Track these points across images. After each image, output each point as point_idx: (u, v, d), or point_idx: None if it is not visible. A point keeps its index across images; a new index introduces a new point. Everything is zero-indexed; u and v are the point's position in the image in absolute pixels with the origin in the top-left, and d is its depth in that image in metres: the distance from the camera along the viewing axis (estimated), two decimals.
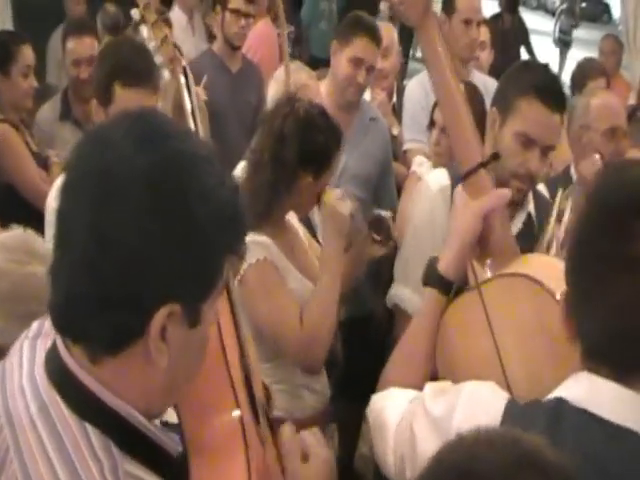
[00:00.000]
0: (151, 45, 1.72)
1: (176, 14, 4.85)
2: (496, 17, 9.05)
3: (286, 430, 1.16)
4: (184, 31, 4.78)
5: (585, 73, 4.20)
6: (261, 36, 4.59)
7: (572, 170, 2.84)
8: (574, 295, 1.10)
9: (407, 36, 7.56)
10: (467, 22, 3.32)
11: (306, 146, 2.03)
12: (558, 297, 1.23)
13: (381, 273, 2.47)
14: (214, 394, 1.13)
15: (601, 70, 4.28)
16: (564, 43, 12.78)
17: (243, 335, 1.22)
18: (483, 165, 1.57)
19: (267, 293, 2.02)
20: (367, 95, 3.80)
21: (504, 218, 1.59)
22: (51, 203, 2.32)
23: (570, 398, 1.07)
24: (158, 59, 1.72)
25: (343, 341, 2.30)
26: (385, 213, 2.23)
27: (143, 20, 1.71)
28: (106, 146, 0.90)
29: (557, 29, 12.91)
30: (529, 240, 2.05)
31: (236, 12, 3.79)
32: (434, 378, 1.48)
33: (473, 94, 2.84)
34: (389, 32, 3.81)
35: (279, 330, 2.01)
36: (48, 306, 0.94)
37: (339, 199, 2.09)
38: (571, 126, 2.80)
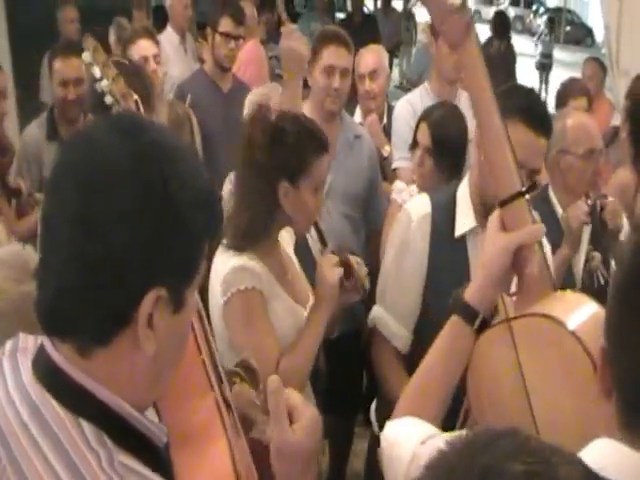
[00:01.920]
0: (103, 84, 1.79)
1: (169, 35, 4.89)
2: (487, 42, 9.18)
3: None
4: (177, 51, 4.81)
5: (567, 92, 4.27)
6: (249, 57, 4.63)
7: (550, 193, 2.80)
8: (614, 346, 1.01)
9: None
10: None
11: (276, 148, 1.99)
12: (587, 344, 1.19)
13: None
14: (190, 382, 1.15)
15: (583, 90, 4.36)
16: (544, 66, 13.17)
17: (211, 339, 1.25)
18: (523, 194, 1.49)
19: (248, 325, 1.99)
20: (357, 116, 3.86)
21: (538, 253, 1.48)
22: None
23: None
24: (108, 99, 1.80)
25: (333, 356, 2.30)
26: (354, 258, 2.16)
27: (95, 61, 1.79)
28: (89, 142, 0.95)
29: (538, 52, 13.22)
30: None
31: (226, 35, 3.85)
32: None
33: (454, 115, 2.88)
34: (378, 54, 3.85)
35: (260, 358, 1.94)
36: (35, 308, 0.95)
37: (330, 265, 2.07)
38: (549, 151, 2.79)
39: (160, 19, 5.70)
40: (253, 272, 1.99)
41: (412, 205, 2.27)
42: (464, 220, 2.14)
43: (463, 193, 2.17)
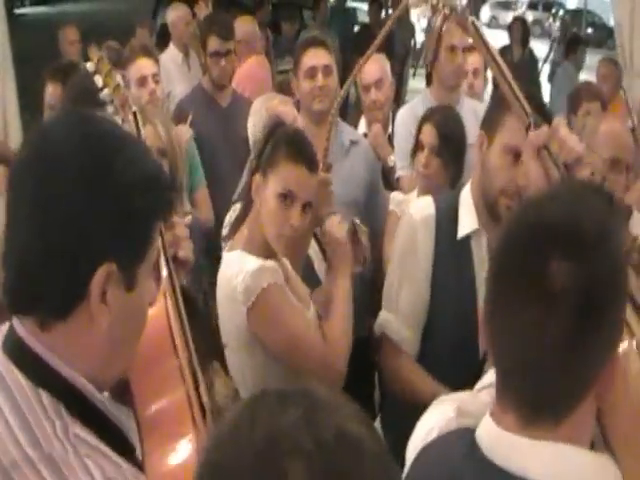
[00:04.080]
0: (104, 92, 1.87)
1: (171, 52, 4.96)
2: (505, 49, 9.18)
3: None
4: (180, 68, 4.88)
5: (580, 96, 4.27)
6: (249, 73, 4.67)
7: None
8: (488, 308, 1.08)
9: None
10: (452, 49, 3.39)
11: (263, 145, 2.15)
12: None
13: (373, 295, 2.50)
14: (162, 377, 1.23)
15: (596, 93, 4.35)
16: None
17: (189, 339, 1.31)
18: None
19: (284, 315, 2.06)
20: (362, 127, 3.89)
21: None
22: None
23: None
24: (110, 108, 1.87)
25: None
26: (359, 226, 2.29)
27: (98, 70, 1.86)
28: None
29: (550, 59, 11.73)
30: None
31: (215, 54, 3.94)
32: None
33: (455, 116, 2.94)
34: (381, 63, 3.88)
35: (301, 348, 2.08)
36: (2, 289, 1.08)
37: (336, 224, 2.20)
38: None
39: (164, 37, 5.79)
40: (272, 270, 2.05)
41: (415, 207, 2.32)
42: (467, 222, 2.19)
43: (466, 195, 2.22)
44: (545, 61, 11.61)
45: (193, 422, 1.20)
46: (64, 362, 1.06)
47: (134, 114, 1.88)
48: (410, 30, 11.25)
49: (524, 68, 8.96)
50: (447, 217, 2.21)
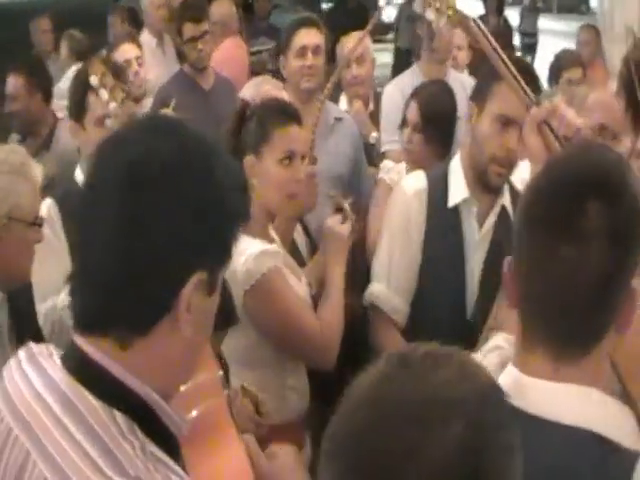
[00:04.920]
0: (111, 106, 1.88)
1: (145, 37, 4.92)
2: (481, 18, 9.19)
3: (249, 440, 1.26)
4: (154, 54, 4.83)
5: (561, 64, 4.32)
6: (226, 55, 4.65)
7: None
8: (518, 260, 1.16)
9: None
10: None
11: (242, 127, 2.18)
12: None
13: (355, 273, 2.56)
14: (204, 380, 1.23)
15: (577, 61, 4.40)
16: (529, 47, 11.56)
17: None
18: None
19: (282, 299, 2.11)
20: (343, 103, 3.91)
21: None
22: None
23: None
24: (114, 123, 1.89)
25: None
26: (346, 202, 2.36)
27: (102, 85, 1.88)
28: (126, 143, 1.02)
29: (520, 30, 11.61)
30: (504, 233, 2.14)
31: (191, 40, 3.96)
32: None
33: (443, 91, 2.97)
34: (364, 40, 3.90)
35: (297, 332, 2.13)
36: (72, 313, 1.03)
37: (338, 223, 2.28)
38: None
39: (134, 21, 5.76)
40: (274, 253, 2.10)
41: (407, 181, 2.40)
42: (457, 191, 2.27)
43: (456, 165, 2.30)
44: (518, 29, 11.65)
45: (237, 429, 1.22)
46: (139, 378, 1.01)
47: None
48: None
49: (499, 37, 8.99)
50: (438, 188, 2.29)
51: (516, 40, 11.53)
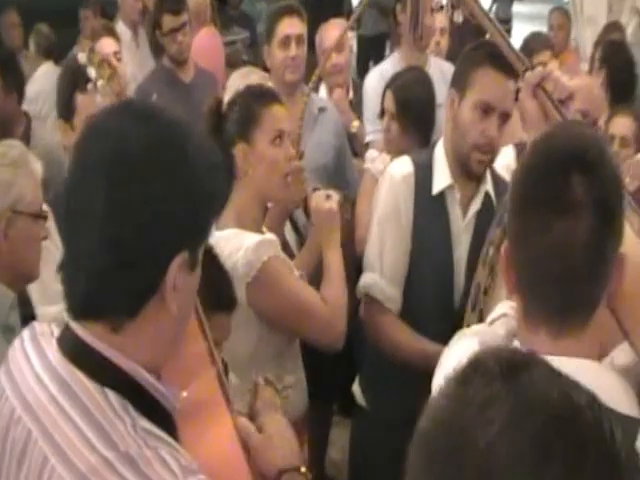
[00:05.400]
0: (99, 83, 1.92)
1: (119, 29, 4.91)
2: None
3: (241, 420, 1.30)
4: (128, 46, 4.83)
5: (530, 47, 4.39)
6: (202, 46, 4.66)
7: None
8: (513, 241, 1.24)
9: None
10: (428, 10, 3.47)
11: (225, 118, 2.20)
12: None
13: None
14: (193, 359, 1.27)
15: (546, 43, 4.46)
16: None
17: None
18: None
19: (287, 284, 2.14)
20: (323, 92, 3.95)
21: None
22: None
23: None
24: (102, 98, 1.92)
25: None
26: (334, 192, 2.37)
27: (90, 61, 1.91)
28: (104, 131, 1.06)
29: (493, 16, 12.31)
30: (487, 220, 2.20)
31: (171, 32, 3.97)
32: None
33: (420, 79, 3.02)
34: (341, 27, 3.94)
35: (306, 312, 2.17)
36: (66, 301, 1.08)
37: (324, 199, 2.29)
38: None
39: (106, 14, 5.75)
40: (271, 242, 2.14)
41: (394, 167, 2.41)
42: (441, 178, 2.31)
43: (439, 152, 2.34)
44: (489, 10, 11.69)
45: (227, 403, 1.26)
46: (130, 358, 1.06)
47: None
48: None
49: (468, 22, 9.04)
50: (423, 174, 2.32)
51: None
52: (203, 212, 1.08)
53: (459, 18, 2.49)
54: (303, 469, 1.30)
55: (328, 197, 2.31)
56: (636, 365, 1.27)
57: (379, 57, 9.25)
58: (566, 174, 1.17)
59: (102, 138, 1.06)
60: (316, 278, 2.33)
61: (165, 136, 1.05)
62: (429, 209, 2.31)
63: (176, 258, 1.04)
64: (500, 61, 2.12)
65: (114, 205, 1.02)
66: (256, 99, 2.20)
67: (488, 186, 2.34)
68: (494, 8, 11.57)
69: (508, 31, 11.38)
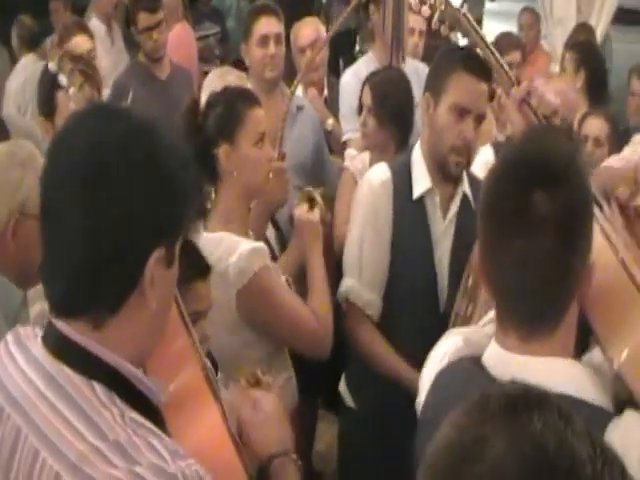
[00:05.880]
0: (70, 91, 1.94)
1: (94, 24, 4.88)
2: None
3: (234, 387, 1.35)
4: (103, 42, 4.81)
5: (500, 47, 4.45)
6: (175, 41, 4.67)
7: None
8: (482, 250, 1.27)
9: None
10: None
11: (207, 119, 2.21)
12: None
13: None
14: (178, 353, 1.31)
15: (516, 43, 4.54)
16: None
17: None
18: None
19: (277, 294, 2.17)
20: (299, 91, 3.99)
21: None
22: None
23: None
24: (74, 105, 1.94)
25: None
26: (315, 190, 2.42)
27: (60, 69, 1.94)
28: (80, 132, 1.10)
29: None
30: (467, 221, 2.26)
31: (147, 29, 3.98)
32: None
33: (397, 77, 3.08)
34: (316, 25, 3.99)
35: (296, 325, 2.20)
36: (48, 300, 1.11)
37: (306, 211, 2.34)
38: None
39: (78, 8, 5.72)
40: (263, 251, 2.16)
41: (371, 173, 2.45)
42: (420, 182, 2.35)
43: (417, 156, 2.37)
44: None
45: (214, 395, 1.29)
46: (114, 352, 1.09)
47: None
48: None
49: (443, 21, 9.11)
50: (402, 179, 2.36)
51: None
52: (177, 209, 1.12)
53: (445, 31, 2.54)
54: (294, 455, 1.34)
55: (310, 207, 2.36)
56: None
57: (349, 52, 9.33)
58: (528, 190, 1.18)
59: (75, 140, 1.09)
60: (298, 278, 2.37)
61: (135, 136, 1.09)
62: (409, 214, 2.35)
63: (153, 254, 1.07)
64: (473, 64, 2.22)
65: (89, 204, 1.05)
66: (240, 101, 2.22)
67: (465, 187, 2.38)
68: (465, 6, 11.70)
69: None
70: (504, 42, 4.56)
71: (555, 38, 5.23)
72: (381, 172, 2.39)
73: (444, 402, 1.23)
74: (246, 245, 2.13)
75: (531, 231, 1.18)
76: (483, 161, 2.79)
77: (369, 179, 2.41)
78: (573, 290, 1.22)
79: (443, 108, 2.27)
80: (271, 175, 2.29)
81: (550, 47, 5.51)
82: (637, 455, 1.11)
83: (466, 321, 2.14)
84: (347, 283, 2.39)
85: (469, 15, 1.94)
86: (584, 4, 5.55)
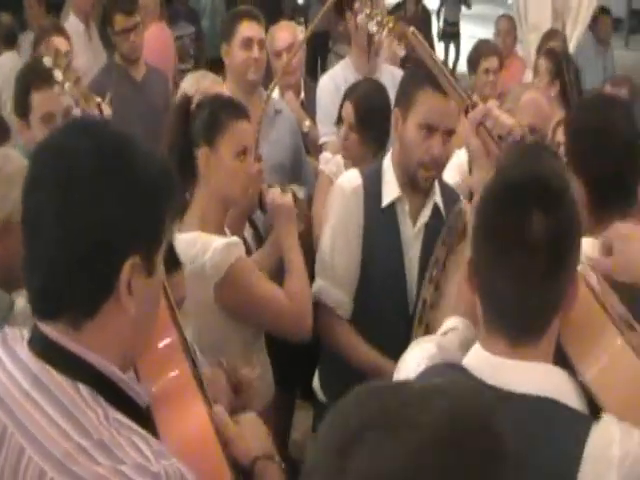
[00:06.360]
0: (65, 86, 1.96)
1: (72, 22, 4.88)
2: (399, 5, 9.41)
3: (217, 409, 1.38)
4: (81, 40, 4.79)
5: (478, 53, 4.56)
6: (151, 42, 4.67)
7: None
8: (475, 263, 1.33)
9: None
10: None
11: (194, 119, 2.26)
12: None
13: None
14: (165, 351, 1.35)
15: (494, 50, 4.66)
16: (451, 35, 11.50)
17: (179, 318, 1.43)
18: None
19: (254, 284, 2.24)
20: (274, 93, 4.03)
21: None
22: None
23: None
24: (68, 99, 1.95)
25: None
26: (298, 188, 2.48)
27: (56, 65, 1.96)
28: (58, 143, 1.15)
29: (441, 19, 11.57)
30: (437, 229, 2.31)
31: (123, 32, 4.00)
32: None
33: (376, 90, 3.12)
34: (292, 29, 4.04)
35: (274, 311, 2.25)
36: (29, 301, 1.15)
37: (280, 193, 2.37)
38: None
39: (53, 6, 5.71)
40: (237, 244, 2.21)
41: (343, 179, 2.51)
42: (390, 190, 2.40)
43: (388, 166, 2.43)
44: (438, 13, 11.87)
45: (201, 390, 1.33)
46: (96, 353, 1.13)
47: (98, 105, 2.00)
48: None
49: (417, 23, 9.25)
50: (373, 186, 2.42)
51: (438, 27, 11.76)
52: (152, 219, 1.15)
53: (401, 52, 2.59)
54: (277, 458, 1.38)
55: (283, 191, 2.40)
56: None
57: (324, 53, 9.39)
58: (525, 210, 1.26)
59: (53, 150, 1.15)
60: (276, 273, 2.41)
61: (112, 147, 1.14)
62: (379, 220, 2.41)
63: (127, 261, 1.11)
64: (438, 81, 2.22)
65: (62, 208, 1.10)
66: (226, 110, 2.27)
67: (436, 198, 2.44)
68: (443, 11, 11.80)
69: (456, 34, 11.64)
70: (482, 49, 4.67)
71: (530, 44, 5.31)
72: (353, 178, 2.45)
73: None
74: (220, 240, 2.18)
75: (527, 249, 1.26)
76: (457, 164, 2.84)
77: (341, 184, 2.47)
78: (561, 302, 1.30)
79: (411, 125, 2.31)
80: (250, 191, 2.32)
81: (525, 52, 5.59)
82: (618, 454, 1.22)
83: (432, 309, 2.20)
84: (319, 284, 2.45)
85: (418, 34, 1.96)
86: (560, 11, 5.63)
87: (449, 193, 2.48)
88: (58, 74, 1.92)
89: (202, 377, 1.41)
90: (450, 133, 2.32)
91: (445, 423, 0.81)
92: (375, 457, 0.79)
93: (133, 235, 1.12)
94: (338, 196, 2.45)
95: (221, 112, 2.25)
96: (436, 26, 11.73)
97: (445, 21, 11.65)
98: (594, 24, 7.10)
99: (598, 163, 1.79)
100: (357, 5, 2.21)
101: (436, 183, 2.43)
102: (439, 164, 2.35)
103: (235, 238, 2.25)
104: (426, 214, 2.41)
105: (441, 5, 11.78)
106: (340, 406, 0.86)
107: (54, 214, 1.10)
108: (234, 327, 2.27)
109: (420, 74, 2.32)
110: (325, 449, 0.83)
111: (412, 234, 2.41)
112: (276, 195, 2.38)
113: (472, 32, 7.16)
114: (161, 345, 1.34)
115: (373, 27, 2.14)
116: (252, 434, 1.39)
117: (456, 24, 11.50)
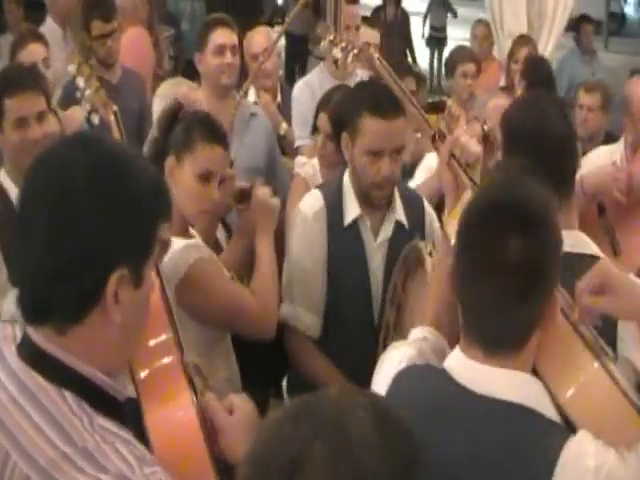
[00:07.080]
0: (87, 93, 2.00)
1: (49, 26, 4.86)
2: (379, 9, 9.49)
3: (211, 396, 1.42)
4: (58, 43, 4.75)
5: (455, 59, 4.64)
6: (129, 46, 4.69)
7: None
8: (456, 279, 1.38)
9: None
10: (347, 28, 3.62)
11: (172, 129, 2.29)
12: None
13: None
14: (156, 344, 1.38)
15: (470, 56, 4.75)
16: (437, 40, 11.55)
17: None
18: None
19: (215, 283, 2.25)
20: (252, 96, 4.08)
21: None
22: None
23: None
24: (85, 107, 2.00)
25: None
26: (246, 184, 2.48)
27: (79, 73, 2.00)
28: (53, 156, 1.20)
29: (427, 26, 11.64)
30: (401, 244, 2.36)
31: (100, 37, 4.01)
32: None
33: (345, 106, 3.15)
34: (268, 33, 4.10)
35: (236, 308, 2.27)
36: (18, 305, 1.18)
37: (270, 195, 2.42)
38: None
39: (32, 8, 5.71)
40: (197, 246, 2.24)
41: (305, 203, 2.55)
42: (350, 209, 2.47)
43: (347, 185, 2.49)
44: (424, 19, 11.95)
45: (189, 382, 1.37)
46: (82, 360, 1.16)
47: (114, 113, 2.03)
48: None
49: (397, 26, 9.37)
50: (334, 207, 2.47)
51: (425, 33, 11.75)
52: (141, 231, 1.18)
53: (364, 76, 2.61)
54: None
55: (271, 196, 2.43)
56: None
57: (304, 58, 9.43)
58: (504, 233, 1.30)
59: (48, 163, 1.19)
60: (247, 267, 2.44)
61: (106, 162, 1.18)
62: (343, 238, 2.46)
63: (115, 273, 1.14)
64: (379, 105, 2.29)
65: (54, 222, 1.14)
66: (201, 129, 2.27)
67: (398, 214, 2.49)
68: (429, 17, 11.88)
69: (443, 39, 11.71)
70: (459, 54, 4.75)
71: (505, 51, 5.36)
72: (315, 200, 2.51)
73: (409, 397, 1.37)
74: (179, 242, 2.17)
75: (506, 271, 1.30)
76: (427, 166, 2.89)
77: (303, 210, 2.52)
78: (537, 320, 1.34)
79: (359, 151, 2.37)
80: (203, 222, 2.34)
81: (501, 57, 5.65)
82: (593, 464, 1.24)
83: (395, 330, 2.26)
84: (286, 307, 2.48)
85: (384, 61, 2.00)
86: (534, 18, 5.70)
87: (413, 206, 2.54)
88: (80, 81, 1.97)
89: (191, 371, 1.44)
90: (399, 150, 2.38)
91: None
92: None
93: (122, 248, 1.15)
94: (299, 222, 2.50)
95: (195, 130, 2.26)
96: (421, 32, 11.93)
97: (432, 27, 11.72)
98: (577, 34, 7.21)
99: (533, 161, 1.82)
100: (319, 31, 2.25)
101: (398, 199, 2.48)
102: (391, 181, 2.40)
103: (195, 240, 2.27)
104: (388, 228, 2.47)
105: (428, 11, 11.85)
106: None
107: (45, 223, 1.14)
108: (196, 329, 2.26)
109: (359, 97, 2.40)
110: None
111: (375, 249, 2.46)
112: (266, 195, 2.42)
113: (463, 35, 7.17)
114: (157, 341, 1.38)
115: (337, 53, 2.16)
116: (245, 428, 1.40)
117: (443, 29, 11.59)
